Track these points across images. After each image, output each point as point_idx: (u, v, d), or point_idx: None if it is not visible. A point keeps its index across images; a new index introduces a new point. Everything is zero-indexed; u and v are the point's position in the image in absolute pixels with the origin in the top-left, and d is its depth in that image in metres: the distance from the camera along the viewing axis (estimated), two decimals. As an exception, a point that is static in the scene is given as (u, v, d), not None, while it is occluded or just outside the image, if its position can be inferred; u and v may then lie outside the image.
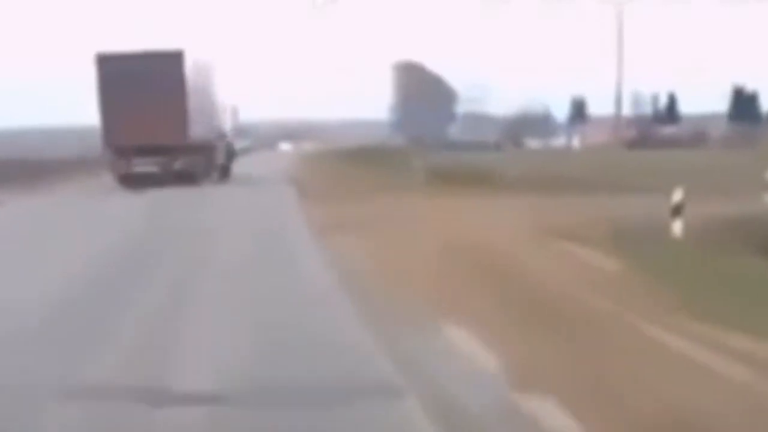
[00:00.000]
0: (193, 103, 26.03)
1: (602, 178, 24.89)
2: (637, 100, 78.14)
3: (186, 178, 25.42)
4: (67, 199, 24.95)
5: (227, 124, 32.42)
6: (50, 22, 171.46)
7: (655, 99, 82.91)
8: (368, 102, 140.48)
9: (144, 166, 25.67)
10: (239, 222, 16.38)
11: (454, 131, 71.35)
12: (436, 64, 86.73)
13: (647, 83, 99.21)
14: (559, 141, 75.86)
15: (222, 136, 29.67)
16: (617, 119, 61.73)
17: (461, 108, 75.48)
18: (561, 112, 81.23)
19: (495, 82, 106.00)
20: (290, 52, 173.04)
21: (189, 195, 23.23)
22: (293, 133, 78.17)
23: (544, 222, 13.68)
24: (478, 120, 71.63)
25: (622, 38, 58.37)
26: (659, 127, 72.51)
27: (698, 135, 64.44)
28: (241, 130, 35.38)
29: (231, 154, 31.15)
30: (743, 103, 79.16)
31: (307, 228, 14.29)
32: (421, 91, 70.51)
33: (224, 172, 29.36)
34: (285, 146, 73.46)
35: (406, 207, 17.05)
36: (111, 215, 19.12)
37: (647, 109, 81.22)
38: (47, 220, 18.52)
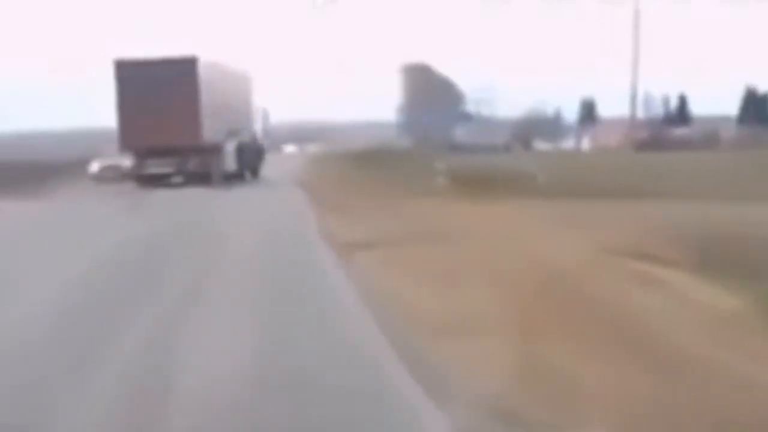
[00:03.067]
0: (209, 104, 26.30)
1: (633, 182, 22.87)
2: (647, 102, 76.64)
3: (200, 179, 25.71)
4: (71, 204, 24.03)
5: (258, 126, 32.87)
6: (60, 26, 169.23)
7: (665, 100, 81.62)
8: (375, 104, 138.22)
9: (158, 167, 26.33)
10: (246, 235, 14.25)
11: (461, 133, 69.67)
12: (441, 65, 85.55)
13: (657, 84, 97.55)
14: (568, 143, 74.53)
15: (240, 135, 29.22)
16: (632, 120, 59.75)
17: (468, 110, 74.09)
18: (567, 113, 80.00)
19: (500, 84, 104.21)
20: (294, 55, 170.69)
21: (198, 197, 22.51)
22: (299, 135, 76.28)
23: (606, 236, 11.54)
24: (485, 122, 70.08)
25: (638, 39, 56.49)
26: (670, 128, 70.84)
27: (710, 137, 62.91)
28: (270, 133, 35.89)
29: (260, 155, 31.64)
30: (754, 105, 77.66)
31: (327, 248, 11.88)
32: (429, 92, 69.04)
33: (253, 173, 30.06)
34: (290, 148, 71.71)
35: (436, 217, 14.82)
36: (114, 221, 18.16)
37: (658, 111, 79.73)
38: (46, 227, 17.36)
